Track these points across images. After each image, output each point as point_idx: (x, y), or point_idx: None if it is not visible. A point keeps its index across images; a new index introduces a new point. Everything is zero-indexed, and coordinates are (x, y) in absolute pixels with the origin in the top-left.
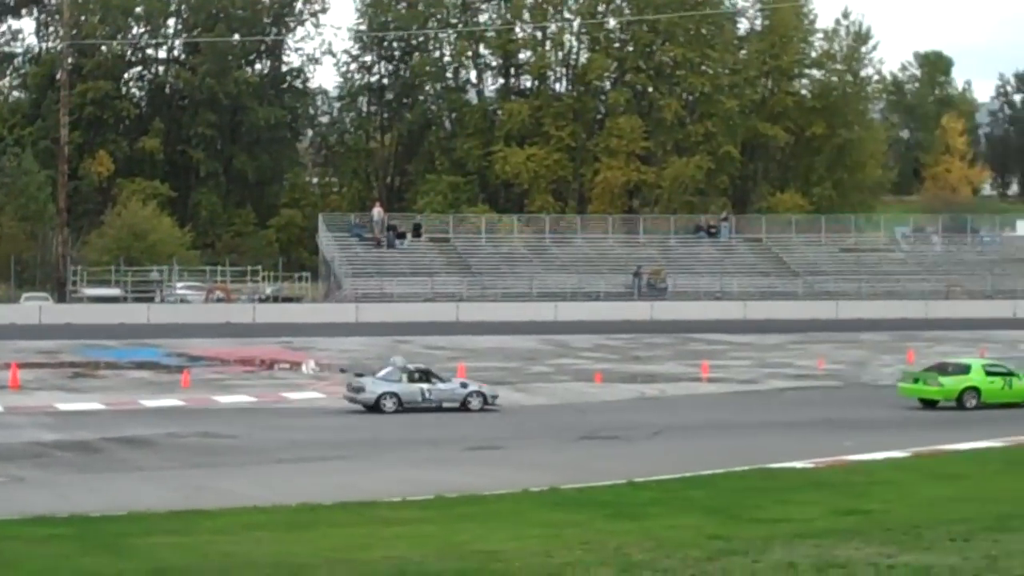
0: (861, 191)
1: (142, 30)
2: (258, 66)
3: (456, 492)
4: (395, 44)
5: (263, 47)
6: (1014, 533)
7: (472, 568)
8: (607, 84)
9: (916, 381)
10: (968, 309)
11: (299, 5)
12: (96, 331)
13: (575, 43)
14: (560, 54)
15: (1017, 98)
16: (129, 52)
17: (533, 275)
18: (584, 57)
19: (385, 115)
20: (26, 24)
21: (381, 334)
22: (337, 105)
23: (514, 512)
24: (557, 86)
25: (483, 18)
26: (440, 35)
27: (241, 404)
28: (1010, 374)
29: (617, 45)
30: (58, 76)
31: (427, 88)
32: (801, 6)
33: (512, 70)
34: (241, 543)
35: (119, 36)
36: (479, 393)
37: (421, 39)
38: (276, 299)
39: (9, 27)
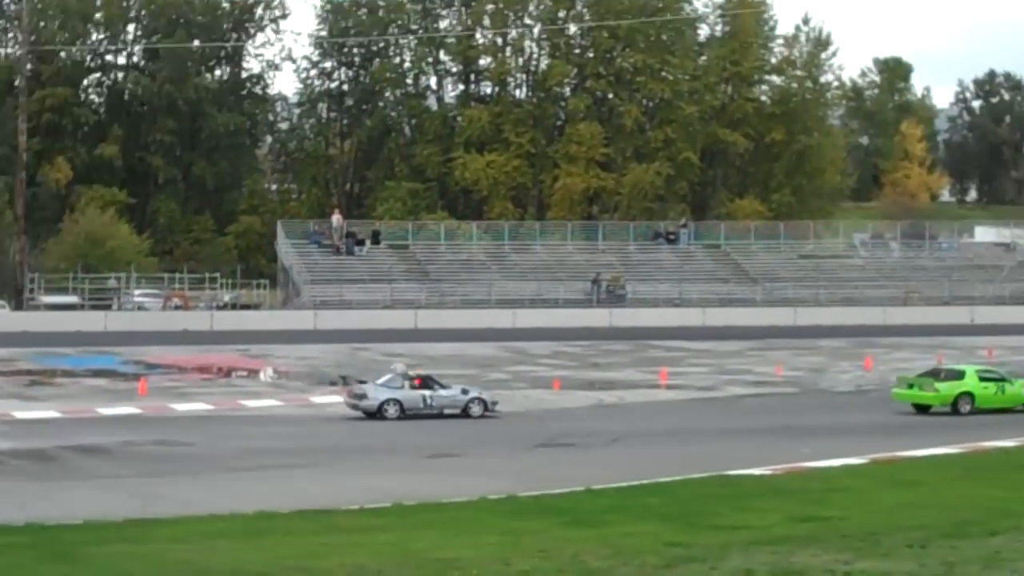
0: (820, 197)
1: (101, 36)
2: (218, 72)
3: (414, 500)
4: (355, 50)
5: (223, 53)
6: (971, 540)
7: None
8: (567, 90)
9: (911, 387)
10: (926, 315)
11: (259, 11)
12: (53, 339)
13: (535, 49)
14: (520, 60)
15: (976, 104)
16: (88, 58)
17: (492, 282)
18: (544, 63)
19: (345, 121)
20: None
21: (339, 341)
22: (297, 111)
23: (472, 520)
24: (517, 92)
25: (443, 24)
26: (400, 41)
27: (198, 412)
28: (1003, 380)
29: (577, 51)
30: (16, 82)
31: (387, 94)
32: (761, 12)
33: (472, 76)
34: (198, 552)
35: (78, 42)
36: (480, 400)
37: (381, 45)
38: (234, 306)
39: None
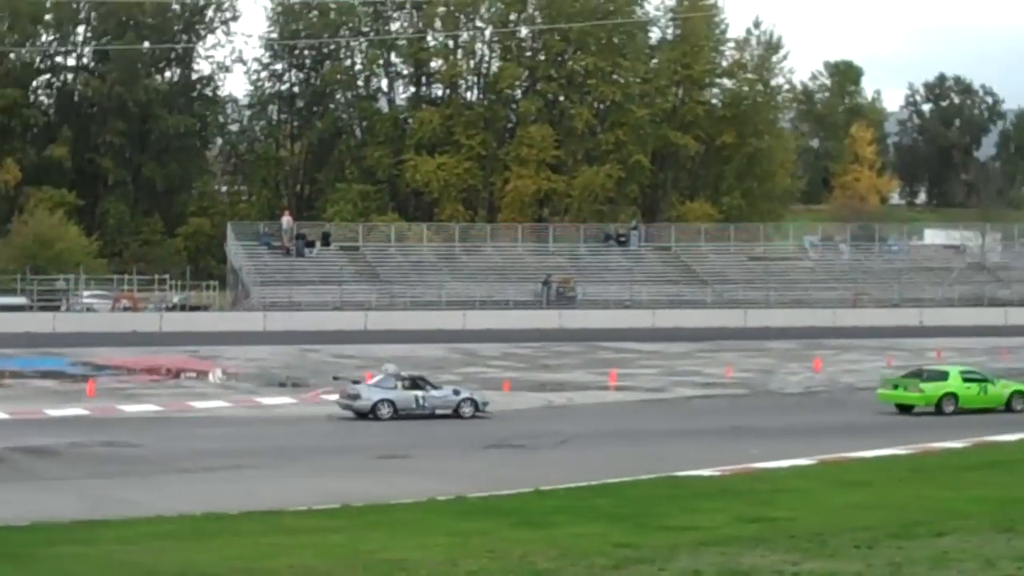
0: (770, 200)
1: (51, 37)
2: (168, 74)
3: (363, 501)
4: (306, 52)
5: (173, 55)
6: (919, 540)
7: None
8: (518, 93)
9: (896, 387)
10: (875, 317)
11: (210, 13)
12: (1, 340)
13: (486, 52)
14: (471, 63)
15: (926, 108)
16: (38, 60)
17: (442, 283)
18: (495, 66)
19: (295, 123)
20: None
21: (289, 343)
22: (247, 113)
23: (420, 521)
24: (468, 95)
25: (395, 27)
26: (351, 43)
27: (147, 413)
28: (985, 380)
29: (528, 54)
30: None
31: (338, 96)
32: (712, 16)
33: (423, 79)
34: (146, 553)
35: (28, 43)
36: (471, 400)
37: (332, 47)
38: (183, 308)
39: None
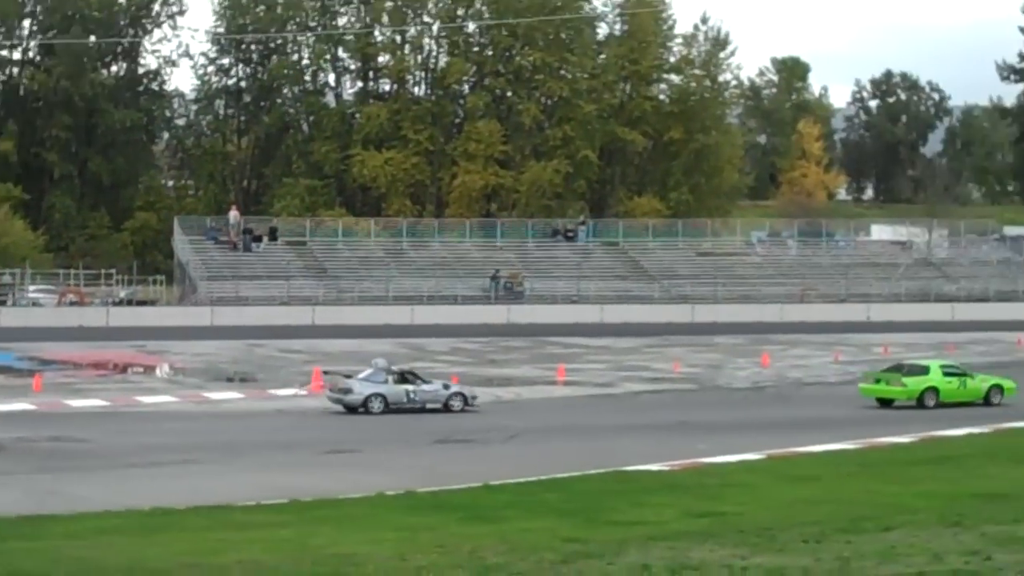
0: (718, 196)
1: None
2: (114, 68)
3: (311, 496)
4: (253, 47)
5: (119, 49)
6: (866, 535)
7: (326, 572)
8: (466, 88)
9: (878, 382)
10: (822, 312)
11: (156, 7)
12: None
13: (434, 47)
14: (419, 58)
15: (873, 104)
16: None
17: (390, 279)
18: (443, 61)
19: (242, 118)
20: None
21: (236, 338)
22: (194, 108)
23: (369, 516)
24: (416, 90)
25: (342, 21)
26: (299, 38)
27: (94, 408)
28: (964, 375)
29: (476, 49)
30: None
31: (285, 91)
32: (660, 12)
33: (371, 73)
34: (94, 548)
35: None
36: (460, 394)
37: (279, 42)
38: (130, 302)
39: None
